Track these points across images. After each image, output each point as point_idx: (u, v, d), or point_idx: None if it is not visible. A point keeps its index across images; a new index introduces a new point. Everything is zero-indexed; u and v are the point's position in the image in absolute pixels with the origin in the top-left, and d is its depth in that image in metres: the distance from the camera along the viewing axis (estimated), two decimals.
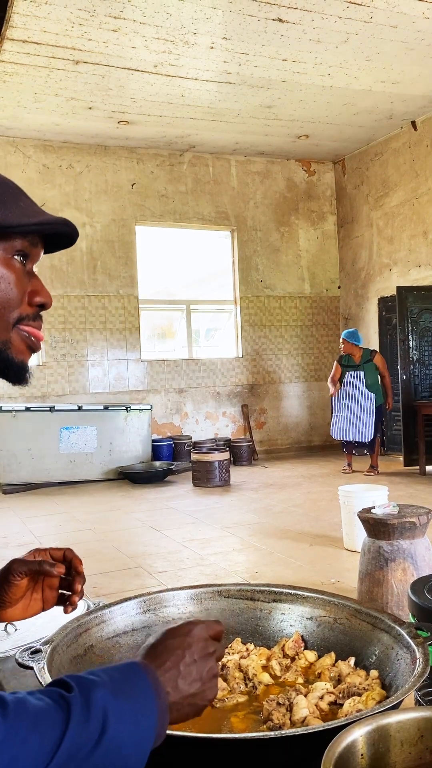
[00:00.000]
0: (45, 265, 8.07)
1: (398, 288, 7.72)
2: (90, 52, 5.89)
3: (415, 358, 7.68)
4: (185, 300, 9.14)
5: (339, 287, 9.76)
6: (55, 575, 1.06)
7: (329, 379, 7.55)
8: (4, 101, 6.89)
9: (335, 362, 7.60)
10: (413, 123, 8.15)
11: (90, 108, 7.18)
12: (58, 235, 0.89)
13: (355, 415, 7.27)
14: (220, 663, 1.16)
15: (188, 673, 0.78)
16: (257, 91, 6.91)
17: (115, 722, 0.67)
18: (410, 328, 7.68)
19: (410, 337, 7.67)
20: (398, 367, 7.70)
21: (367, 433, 7.24)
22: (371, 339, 9.13)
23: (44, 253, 0.90)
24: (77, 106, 7.13)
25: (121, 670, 0.73)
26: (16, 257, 0.83)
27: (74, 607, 1.11)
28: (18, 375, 0.85)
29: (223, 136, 8.29)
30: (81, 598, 1.11)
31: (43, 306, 0.87)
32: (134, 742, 0.68)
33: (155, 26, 5.50)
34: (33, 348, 0.86)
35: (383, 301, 8.87)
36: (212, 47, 5.91)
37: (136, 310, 8.62)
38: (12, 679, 1.38)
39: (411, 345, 7.68)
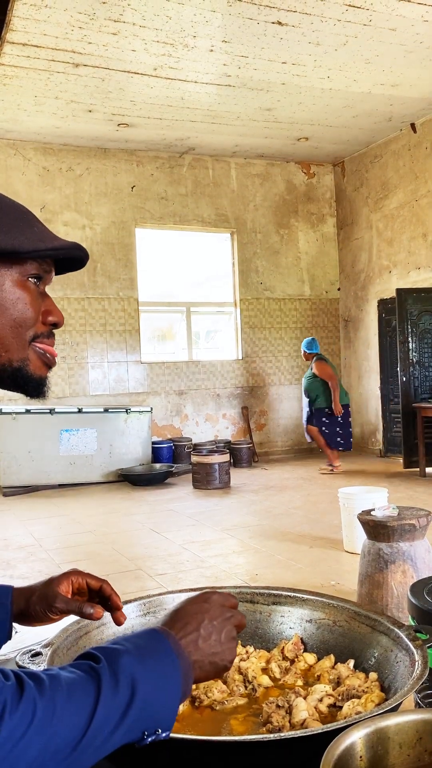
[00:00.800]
0: None
1: (398, 290, 7.73)
2: (90, 55, 5.90)
3: (414, 360, 7.69)
4: (185, 302, 9.15)
5: (339, 289, 9.77)
6: (95, 621, 1.07)
7: None
8: (4, 104, 6.91)
9: None
10: (413, 125, 8.17)
11: (90, 111, 7.20)
12: (70, 258, 0.93)
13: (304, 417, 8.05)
14: (233, 666, 1.19)
15: (208, 634, 0.83)
16: (257, 93, 6.93)
17: (143, 686, 0.71)
18: (410, 330, 7.68)
19: (410, 339, 7.68)
20: (398, 369, 7.71)
21: (306, 435, 8.01)
22: (371, 341, 9.14)
23: (55, 274, 0.94)
24: (77, 109, 7.14)
25: (142, 637, 0.78)
26: (30, 279, 0.88)
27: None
28: (37, 390, 0.90)
29: (222, 138, 8.30)
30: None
31: (56, 325, 0.92)
32: (162, 702, 0.73)
33: (155, 29, 5.51)
34: (49, 364, 0.92)
35: (383, 303, 8.88)
36: (212, 50, 5.93)
37: (136, 312, 8.63)
38: None
39: (411, 347, 7.69)
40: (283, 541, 4.67)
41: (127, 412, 7.81)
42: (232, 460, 8.06)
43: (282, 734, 0.83)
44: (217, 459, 7.08)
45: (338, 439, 7.75)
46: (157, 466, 7.84)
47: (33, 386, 0.88)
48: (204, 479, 7.05)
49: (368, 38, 5.82)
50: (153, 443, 8.14)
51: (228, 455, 7.34)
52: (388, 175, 8.69)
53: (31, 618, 1.09)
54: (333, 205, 9.76)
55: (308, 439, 8.06)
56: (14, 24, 5.33)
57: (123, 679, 0.71)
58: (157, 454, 8.16)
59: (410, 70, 6.53)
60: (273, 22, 5.49)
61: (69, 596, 1.08)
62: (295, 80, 6.63)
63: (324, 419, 7.74)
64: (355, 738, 0.83)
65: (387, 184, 8.73)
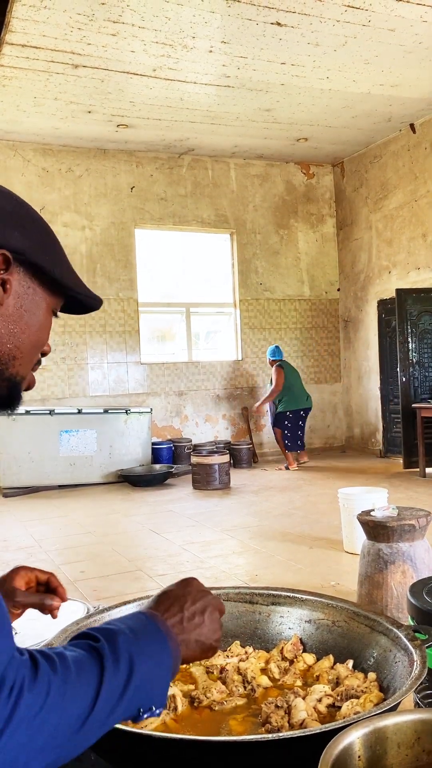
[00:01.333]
0: None
1: (398, 290, 7.73)
2: (89, 56, 5.90)
3: (414, 360, 7.69)
4: (185, 303, 9.15)
5: (338, 290, 9.77)
6: (55, 616, 1.12)
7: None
8: (4, 105, 6.91)
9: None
10: (412, 126, 8.17)
11: (89, 112, 7.20)
12: (81, 303, 0.98)
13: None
14: (232, 666, 1.24)
15: (191, 615, 0.87)
16: (256, 94, 6.93)
17: (139, 663, 0.75)
18: (410, 331, 7.68)
19: (410, 339, 7.68)
20: (398, 369, 7.72)
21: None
22: (371, 341, 9.14)
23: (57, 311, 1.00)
24: (76, 110, 7.14)
25: (131, 619, 0.82)
26: (53, 310, 0.94)
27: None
28: (13, 407, 0.93)
29: (222, 139, 8.31)
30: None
31: (45, 354, 0.97)
32: (156, 680, 0.77)
33: (154, 30, 5.52)
34: (30, 388, 0.97)
35: (382, 304, 8.88)
36: (211, 51, 5.93)
37: (135, 313, 8.63)
38: None
39: (410, 347, 7.69)
40: (283, 542, 4.67)
41: (126, 413, 7.81)
42: (231, 461, 8.06)
43: (281, 734, 0.84)
44: (217, 460, 7.08)
45: (298, 441, 8.19)
46: (157, 466, 7.84)
47: (16, 403, 0.92)
48: (204, 480, 7.05)
49: (367, 39, 5.82)
50: (153, 444, 8.14)
51: (228, 456, 7.34)
52: (388, 176, 8.69)
53: None
54: (332, 205, 9.76)
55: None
56: (13, 25, 5.33)
57: (122, 657, 0.74)
58: (156, 454, 8.16)
59: (409, 70, 6.53)
60: (272, 23, 5.49)
61: (25, 590, 1.12)
62: (295, 81, 6.63)
63: (286, 422, 8.16)
64: (354, 738, 0.84)
65: (386, 184, 8.73)
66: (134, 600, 1.39)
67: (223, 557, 4.37)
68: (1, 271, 0.82)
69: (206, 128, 7.89)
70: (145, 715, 0.77)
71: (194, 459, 7.22)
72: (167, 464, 8.01)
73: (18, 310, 0.85)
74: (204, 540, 4.85)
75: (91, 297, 0.96)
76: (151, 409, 8.20)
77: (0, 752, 0.63)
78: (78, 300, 0.95)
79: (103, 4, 5.08)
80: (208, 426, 9.00)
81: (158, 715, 0.78)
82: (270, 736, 0.85)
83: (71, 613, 2.41)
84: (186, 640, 0.85)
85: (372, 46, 5.97)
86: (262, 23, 5.48)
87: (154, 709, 0.76)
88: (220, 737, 0.96)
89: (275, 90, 6.85)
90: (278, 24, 5.50)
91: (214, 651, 0.89)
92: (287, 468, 8.14)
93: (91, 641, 0.75)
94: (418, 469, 7.27)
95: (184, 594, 0.89)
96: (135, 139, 8.16)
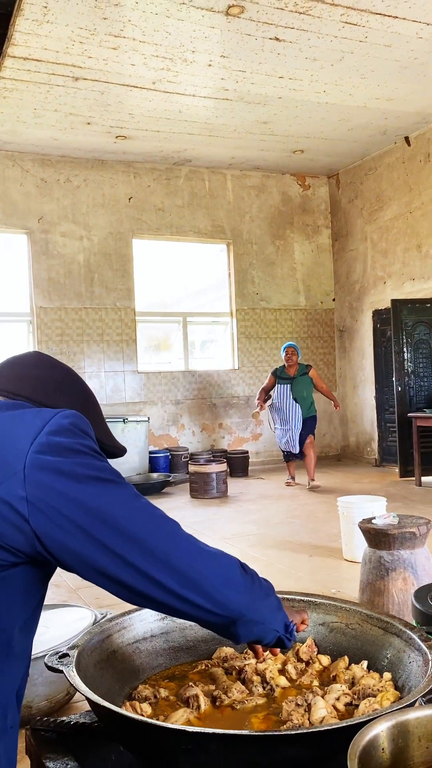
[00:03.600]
0: (43, 278, 8.12)
1: (393, 301, 7.81)
2: (90, 69, 5.98)
3: (410, 370, 7.76)
4: (182, 312, 9.21)
5: (334, 300, 9.85)
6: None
7: (260, 391, 7.70)
8: (4, 116, 6.97)
9: (270, 374, 7.74)
10: (407, 138, 8.28)
11: (88, 123, 7.27)
12: (108, 453, 1.20)
13: (289, 426, 7.47)
14: (251, 668, 1.38)
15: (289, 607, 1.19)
16: (254, 107, 7.02)
17: (270, 593, 1.14)
18: (405, 341, 7.76)
19: (405, 349, 7.76)
20: (393, 379, 7.79)
21: (295, 445, 7.43)
22: (366, 351, 9.21)
23: None
24: (76, 122, 7.21)
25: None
26: None
27: None
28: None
29: (219, 151, 8.39)
30: None
31: None
32: (276, 612, 1.12)
33: (154, 44, 5.60)
34: None
35: (378, 314, 8.97)
36: (210, 65, 6.01)
37: (132, 322, 8.68)
38: (39, 677, 1.41)
39: (406, 357, 7.76)
40: (282, 550, 4.71)
41: (124, 421, 7.84)
42: (228, 470, 8.09)
43: (316, 727, 0.88)
44: (214, 468, 7.11)
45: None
46: (155, 475, 7.86)
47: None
48: (201, 488, 7.09)
49: (364, 54, 5.92)
50: (150, 453, 8.17)
51: (225, 464, 7.37)
52: (383, 188, 8.80)
53: None
54: (328, 216, 9.86)
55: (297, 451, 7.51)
56: (16, 39, 5.40)
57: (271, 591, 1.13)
58: (154, 463, 8.18)
59: (405, 85, 6.64)
60: (271, 38, 5.58)
61: None
62: (292, 94, 6.73)
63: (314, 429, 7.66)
64: (378, 731, 0.88)
65: (381, 196, 8.83)
66: (137, 609, 1.42)
67: None
68: None
69: (204, 140, 7.97)
70: (293, 637, 1.11)
71: (192, 468, 7.26)
72: (164, 473, 8.03)
73: None
74: None
75: (119, 448, 1.21)
76: (149, 418, 8.23)
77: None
78: (106, 450, 1.16)
79: (105, 18, 5.15)
80: (204, 435, 9.04)
81: (291, 642, 1.11)
82: (303, 729, 0.89)
83: (80, 619, 2.45)
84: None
85: (368, 61, 6.07)
86: (261, 38, 5.57)
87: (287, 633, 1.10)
88: (252, 731, 1.01)
89: (273, 103, 6.94)
90: (277, 39, 5.59)
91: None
92: (312, 484, 7.27)
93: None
94: (414, 478, 7.32)
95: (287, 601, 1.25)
96: (133, 150, 8.24)
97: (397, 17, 5.34)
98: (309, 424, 7.46)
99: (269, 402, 7.62)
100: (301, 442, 7.40)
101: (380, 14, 5.28)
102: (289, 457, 7.66)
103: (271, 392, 7.59)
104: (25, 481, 0.92)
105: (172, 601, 0.98)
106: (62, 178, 8.34)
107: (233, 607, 1.01)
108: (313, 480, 7.33)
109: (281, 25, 5.37)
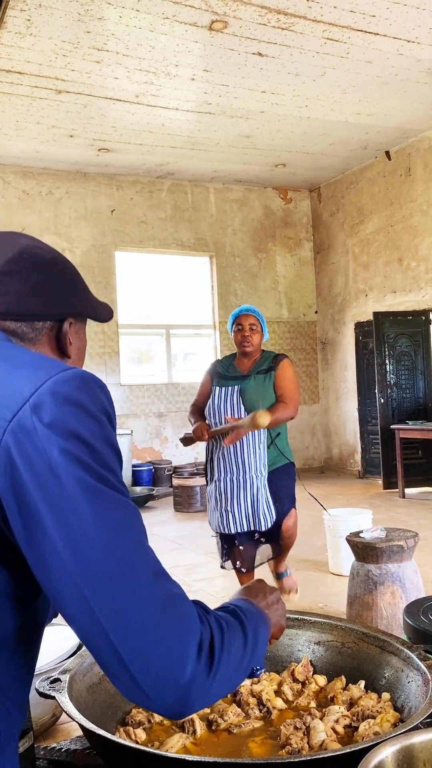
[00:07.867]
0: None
1: (375, 313, 7.86)
2: (73, 82, 5.97)
3: (392, 381, 7.80)
4: (164, 324, 9.19)
5: (316, 312, 9.89)
6: None
7: (191, 408, 4.03)
8: None
9: (205, 372, 3.98)
10: (387, 153, 8.37)
11: (71, 136, 7.26)
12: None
13: (238, 478, 3.70)
14: (246, 690, 1.32)
15: (272, 601, 1.06)
16: (236, 121, 7.06)
17: (256, 631, 0.95)
18: (387, 353, 7.81)
19: (387, 361, 7.81)
20: (376, 390, 7.82)
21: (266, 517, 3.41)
22: (348, 363, 9.25)
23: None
24: (58, 134, 7.20)
25: (243, 602, 1.01)
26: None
27: None
28: None
29: (202, 164, 8.42)
30: None
31: None
32: (261, 644, 0.96)
33: (138, 58, 5.61)
34: None
35: (360, 326, 9.01)
36: (193, 79, 6.04)
37: (115, 334, 8.64)
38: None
39: (388, 369, 7.81)
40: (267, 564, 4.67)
41: None
42: None
43: (324, 752, 0.85)
44: (198, 482, 7.07)
45: None
46: (138, 489, 7.80)
47: None
48: (185, 502, 7.04)
49: (345, 70, 5.99)
50: (133, 466, 8.10)
51: None
52: (364, 201, 8.87)
53: None
54: (310, 230, 9.92)
55: None
56: None
57: (250, 626, 0.94)
58: (137, 477, 8.12)
59: (385, 100, 6.72)
60: (253, 53, 5.62)
61: None
62: (274, 109, 6.78)
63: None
64: (384, 756, 0.86)
65: (362, 209, 8.91)
66: None
67: (208, 580, 4.36)
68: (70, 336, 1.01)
69: (186, 153, 8.00)
70: (259, 672, 0.98)
71: (176, 481, 7.21)
72: (148, 486, 7.97)
73: (78, 351, 1.05)
74: (188, 563, 4.83)
75: (111, 315, 1.14)
76: (131, 431, 8.18)
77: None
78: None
79: (88, 32, 5.15)
80: (188, 448, 8.98)
81: (259, 675, 0.99)
82: (307, 756, 0.87)
83: (68, 638, 2.40)
84: (274, 621, 1.05)
85: (350, 77, 6.13)
86: (243, 53, 5.61)
87: (259, 669, 0.98)
88: (254, 759, 0.98)
89: (255, 117, 6.98)
90: (259, 54, 5.64)
91: (282, 630, 1.08)
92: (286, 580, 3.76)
93: (234, 613, 0.95)
94: (397, 490, 7.34)
95: (262, 588, 1.07)
96: (115, 163, 8.24)
97: (378, 34, 5.41)
98: (284, 479, 3.51)
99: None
100: (278, 516, 3.40)
101: (361, 31, 5.35)
102: (230, 549, 3.53)
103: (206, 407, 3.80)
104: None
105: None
106: (44, 191, 8.31)
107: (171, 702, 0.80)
108: (286, 570, 3.75)
109: (264, 41, 5.41)
